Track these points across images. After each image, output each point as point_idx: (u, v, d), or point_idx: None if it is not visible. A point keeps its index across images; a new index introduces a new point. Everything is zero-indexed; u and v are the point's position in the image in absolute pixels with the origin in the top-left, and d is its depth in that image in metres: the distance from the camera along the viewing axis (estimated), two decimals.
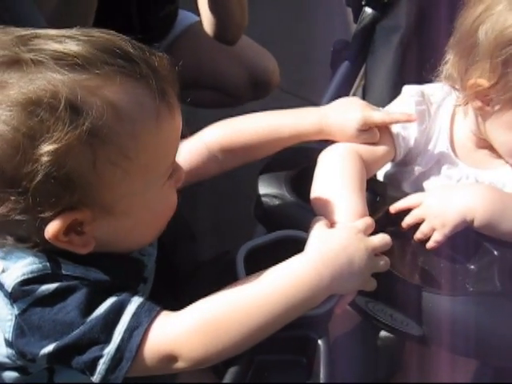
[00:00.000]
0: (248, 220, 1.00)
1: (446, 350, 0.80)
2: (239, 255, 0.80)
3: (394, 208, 0.89)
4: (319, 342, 0.73)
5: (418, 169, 1.00)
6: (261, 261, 0.82)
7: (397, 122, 0.95)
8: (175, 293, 1.00)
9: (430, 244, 0.85)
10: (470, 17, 0.91)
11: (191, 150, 0.95)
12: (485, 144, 0.97)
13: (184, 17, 1.73)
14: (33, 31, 0.68)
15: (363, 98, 1.14)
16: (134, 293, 0.72)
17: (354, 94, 1.17)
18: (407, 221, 0.88)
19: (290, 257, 0.76)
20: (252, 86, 1.70)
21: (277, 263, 0.82)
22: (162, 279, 1.01)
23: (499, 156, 0.97)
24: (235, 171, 0.99)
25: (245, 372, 0.73)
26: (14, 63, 0.64)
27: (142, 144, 0.67)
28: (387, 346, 1.10)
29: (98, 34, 0.70)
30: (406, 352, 1.10)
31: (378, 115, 0.93)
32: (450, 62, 0.96)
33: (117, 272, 0.73)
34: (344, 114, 0.94)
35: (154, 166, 0.70)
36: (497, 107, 0.90)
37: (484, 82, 0.88)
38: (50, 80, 0.63)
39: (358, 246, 0.73)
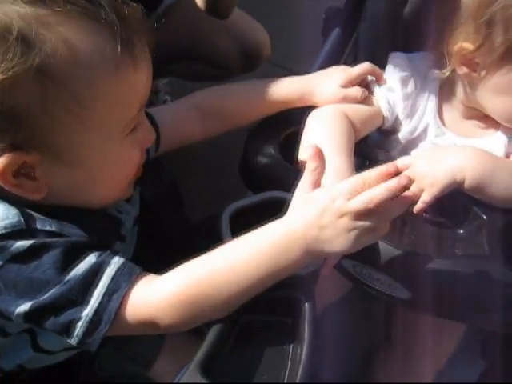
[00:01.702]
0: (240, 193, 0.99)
1: (432, 314, 0.79)
2: (224, 216, 0.79)
3: None
4: (304, 301, 0.72)
5: (405, 136, 0.99)
6: (248, 222, 0.81)
7: (374, 73, 0.98)
8: (162, 255, 0.99)
9: (418, 205, 0.83)
10: None
11: (178, 109, 0.96)
12: (473, 113, 0.96)
13: None
14: None
15: (354, 65, 1.12)
16: (114, 253, 0.70)
17: (344, 61, 1.15)
18: None
19: (275, 219, 0.74)
20: (242, 58, 1.67)
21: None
22: (149, 241, 1.01)
23: (487, 125, 0.96)
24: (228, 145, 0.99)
25: (228, 333, 0.72)
26: None
27: (99, 93, 0.65)
28: (373, 317, 1.10)
29: None
30: (393, 324, 1.09)
31: (356, 68, 0.96)
32: (434, 28, 0.94)
33: (92, 228, 0.71)
34: (325, 75, 0.98)
35: (113, 118, 0.68)
36: (483, 72, 0.88)
37: (469, 46, 0.86)
38: (7, 12, 0.61)
39: (336, 210, 0.67)
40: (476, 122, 0.96)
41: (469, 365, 1.00)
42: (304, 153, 0.78)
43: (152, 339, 0.96)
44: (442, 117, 0.97)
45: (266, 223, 0.72)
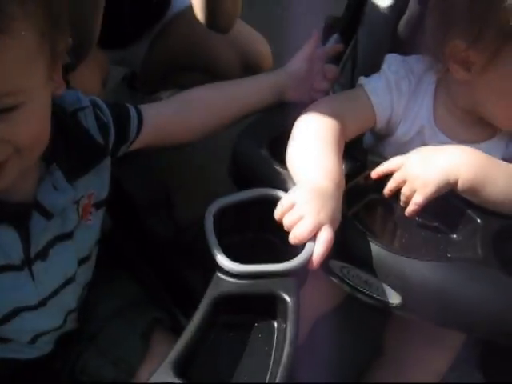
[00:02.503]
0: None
1: (422, 319, 0.75)
2: (208, 212, 0.76)
3: (376, 173, 0.85)
4: (287, 299, 0.69)
5: (398, 139, 0.97)
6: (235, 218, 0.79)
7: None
8: (151, 256, 0.97)
9: (410, 207, 0.81)
10: None
11: (162, 104, 0.98)
12: (468, 117, 0.93)
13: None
14: None
15: (352, 69, 1.11)
16: None
17: (343, 67, 1.13)
18: (389, 186, 0.84)
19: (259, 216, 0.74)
20: (244, 69, 1.67)
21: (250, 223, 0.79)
22: (138, 243, 0.99)
23: (483, 130, 0.93)
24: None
25: (207, 332, 0.69)
26: None
27: None
28: (367, 327, 1.07)
29: None
30: (387, 333, 1.06)
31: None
32: (428, 29, 0.92)
33: None
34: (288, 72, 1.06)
35: None
36: (477, 72, 0.85)
37: (461, 43, 0.84)
38: None
39: None
40: (472, 127, 0.93)
41: (467, 377, 0.96)
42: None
43: (137, 344, 0.93)
44: (436, 120, 0.95)
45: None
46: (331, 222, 0.74)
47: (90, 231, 0.86)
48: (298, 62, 1.06)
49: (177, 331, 0.97)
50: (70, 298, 0.87)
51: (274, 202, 0.78)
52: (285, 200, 0.76)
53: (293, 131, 0.87)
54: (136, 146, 0.93)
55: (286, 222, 0.75)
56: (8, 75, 0.62)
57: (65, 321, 0.87)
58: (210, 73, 1.68)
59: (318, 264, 0.72)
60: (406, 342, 1.01)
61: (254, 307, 0.72)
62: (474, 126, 0.93)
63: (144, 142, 0.93)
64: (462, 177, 0.78)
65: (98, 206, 0.86)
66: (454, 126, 0.94)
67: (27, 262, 0.77)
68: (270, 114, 0.97)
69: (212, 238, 0.74)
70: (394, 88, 0.94)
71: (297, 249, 0.75)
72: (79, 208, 0.82)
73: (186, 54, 1.64)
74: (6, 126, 0.64)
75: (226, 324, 0.71)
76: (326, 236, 0.72)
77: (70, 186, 0.79)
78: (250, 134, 0.91)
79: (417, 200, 0.80)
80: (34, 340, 0.85)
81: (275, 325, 0.72)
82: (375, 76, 0.98)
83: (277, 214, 0.76)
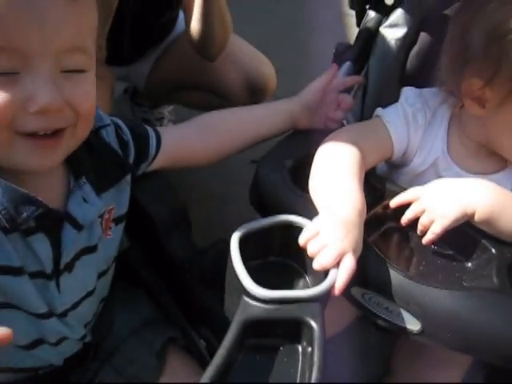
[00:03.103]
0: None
1: (441, 345, 0.78)
2: (233, 238, 0.78)
3: (394, 203, 0.88)
4: (313, 325, 0.71)
5: (413, 170, 1.00)
6: (258, 245, 0.81)
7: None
8: (170, 279, 0.98)
9: (427, 236, 0.84)
10: (462, 17, 0.91)
11: (180, 127, 1.01)
12: (481, 150, 0.96)
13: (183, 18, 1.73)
14: None
15: (363, 98, 1.15)
16: None
17: (354, 95, 1.17)
18: (407, 215, 0.87)
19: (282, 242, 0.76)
20: (248, 90, 1.69)
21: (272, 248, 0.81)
22: (156, 265, 1.00)
23: (495, 162, 0.97)
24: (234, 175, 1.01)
25: (235, 355, 0.71)
26: None
27: None
28: (378, 348, 1.09)
29: None
30: (396, 355, 1.08)
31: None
32: (444, 65, 0.96)
33: None
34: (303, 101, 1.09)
35: None
36: (492, 108, 0.89)
37: (478, 81, 0.87)
38: None
39: None
40: (484, 159, 0.97)
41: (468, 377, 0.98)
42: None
43: (152, 363, 0.94)
44: (450, 152, 0.98)
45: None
46: (354, 251, 0.76)
47: (109, 246, 0.88)
48: (312, 92, 1.09)
49: (191, 350, 0.99)
50: (88, 311, 0.89)
51: (295, 228, 0.80)
52: (310, 227, 0.78)
53: (315, 160, 0.90)
54: (155, 166, 0.96)
55: (311, 249, 0.77)
56: (84, 32, 0.67)
57: (85, 333, 0.88)
58: (215, 92, 1.70)
59: (340, 291, 0.74)
60: (416, 364, 1.04)
61: (280, 331, 0.74)
62: (486, 159, 0.96)
63: (162, 162, 0.96)
64: (478, 209, 0.82)
65: (117, 221, 0.88)
66: (467, 158, 0.97)
67: (56, 273, 0.78)
68: (290, 141, 0.99)
69: (239, 265, 0.76)
70: (410, 121, 0.97)
71: (319, 274, 0.77)
72: (103, 222, 0.84)
73: (191, 72, 1.66)
74: (74, 88, 0.67)
75: (253, 347, 0.73)
76: (349, 264, 0.74)
77: (99, 200, 0.81)
78: (271, 161, 0.93)
79: (435, 230, 0.83)
80: (59, 341, 0.85)
81: (299, 349, 0.74)
82: (392, 108, 1.01)
83: (301, 240, 0.78)
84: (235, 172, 1.01)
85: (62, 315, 0.82)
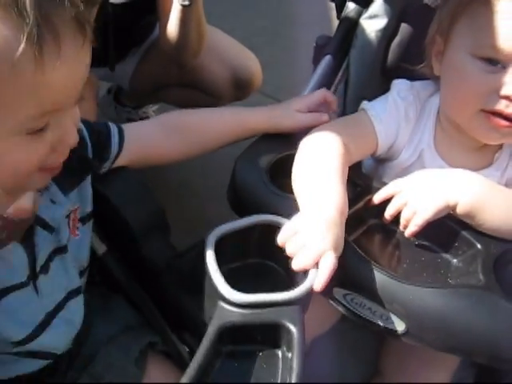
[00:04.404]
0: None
1: (426, 346, 0.75)
2: (208, 241, 0.76)
3: (377, 198, 0.85)
4: (292, 329, 0.68)
5: (399, 164, 0.97)
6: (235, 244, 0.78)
7: (328, 98, 1.02)
8: (147, 282, 0.95)
9: (409, 228, 0.81)
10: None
11: (144, 125, 1.00)
12: (466, 143, 0.94)
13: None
14: None
15: (345, 92, 1.11)
16: None
17: (335, 89, 1.14)
18: (389, 211, 0.84)
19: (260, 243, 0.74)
20: (233, 85, 1.67)
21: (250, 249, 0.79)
22: (133, 268, 0.97)
23: (480, 158, 0.94)
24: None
25: (212, 361, 0.68)
26: None
27: None
28: (365, 348, 1.06)
29: None
30: (384, 355, 1.06)
31: (312, 94, 1.04)
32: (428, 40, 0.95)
33: None
34: (287, 103, 1.03)
35: (6, 113, 0.62)
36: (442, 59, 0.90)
37: (438, 37, 0.89)
38: None
39: None
40: (470, 153, 0.94)
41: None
42: None
43: (131, 370, 0.92)
44: (437, 144, 0.95)
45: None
46: (334, 249, 0.74)
47: (80, 246, 0.86)
48: (302, 105, 1.02)
49: (173, 355, 0.97)
50: (77, 311, 0.87)
51: (274, 228, 0.78)
52: (288, 226, 0.76)
53: (297, 156, 0.87)
54: (120, 162, 0.94)
55: (289, 249, 0.74)
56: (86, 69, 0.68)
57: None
58: (200, 89, 1.68)
59: (320, 290, 0.72)
60: (404, 364, 1.02)
61: (258, 336, 0.71)
62: (473, 153, 0.94)
63: (128, 159, 0.94)
64: (461, 200, 0.79)
65: (83, 220, 0.87)
66: (453, 152, 0.95)
67: (33, 277, 0.78)
68: (269, 138, 0.96)
69: (214, 269, 0.73)
70: (402, 115, 0.95)
71: (299, 275, 0.74)
72: (70, 222, 0.84)
73: (175, 68, 1.63)
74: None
75: (230, 353, 0.70)
76: (328, 263, 0.72)
77: (66, 199, 0.81)
78: (249, 159, 0.90)
79: (417, 222, 0.80)
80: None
81: (279, 354, 0.71)
82: (380, 101, 0.98)
83: (280, 240, 0.76)
84: (217, 169, 0.98)
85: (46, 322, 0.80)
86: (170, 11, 1.33)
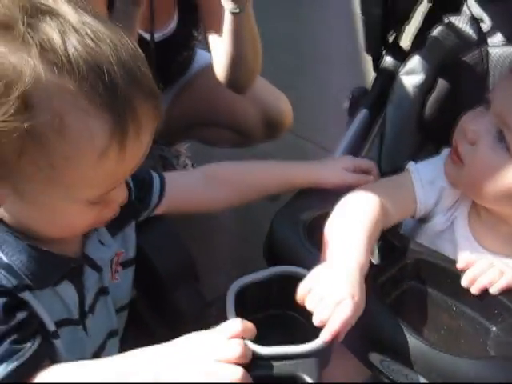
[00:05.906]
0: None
1: None
2: (230, 292, 0.77)
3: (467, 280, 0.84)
4: (309, 382, 0.68)
5: (432, 227, 0.97)
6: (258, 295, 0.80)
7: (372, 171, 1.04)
8: (173, 331, 0.96)
9: (495, 288, 0.81)
10: None
11: (188, 176, 1.02)
12: (502, 228, 0.93)
13: (200, 56, 1.74)
14: (55, 7, 0.63)
15: (380, 146, 1.12)
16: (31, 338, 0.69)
17: (371, 142, 1.15)
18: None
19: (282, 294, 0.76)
20: (265, 126, 1.69)
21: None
22: (159, 316, 0.98)
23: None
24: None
25: None
26: (6, 28, 0.61)
27: (75, 168, 0.65)
28: None
29: (122, 40, 0.66)
30: None
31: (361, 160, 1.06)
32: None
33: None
34: (330, 160, 1.08)
35: (80, 188, 0.68)
36: None
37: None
38: (22, 64, 0.60)
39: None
40: (501, 238, 0.93)
41: None
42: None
43: None
44: (470, 220, 0.95)
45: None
46: (352, 297, 0.73)
47: (119, 290, 0.88)
48: (350, 165, 1.04)
49: None
50: (114, 352, 0.86)
51: (296, 279, 0.78)
52: (306, 282, 0.76)
53: (334, 211, 0.87)
54: (159, 211, 0.95)
55: (309, 305, 0.75)
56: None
57: None
58: (232, 128, 1.70)
59: (331, 338, 0.70)
60: None
61: None
62: (504, 237, 0.93)
63: (166, 208, 0.95)
64: None
65: (124, 265, 0.88)
66: (485, 233, 0.94)
67: (82, 316, 0.80)
68: (309, 193, 0.97)
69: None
70: (446, 185, 0.95)
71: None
72: (112, 265, 0.86)
73: (208, 109, 1.66)
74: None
75: None
76: (341, 312, 0.71)
77: (114, 241, 0.84)
78: (288, 214, 0.91)
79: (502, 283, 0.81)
80: None
81: None
82: (427, 164, 0.98)
83: (299, 297, 0.76)
84: (253, 209, 1.00)
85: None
86: (219, 27, 1.30)
